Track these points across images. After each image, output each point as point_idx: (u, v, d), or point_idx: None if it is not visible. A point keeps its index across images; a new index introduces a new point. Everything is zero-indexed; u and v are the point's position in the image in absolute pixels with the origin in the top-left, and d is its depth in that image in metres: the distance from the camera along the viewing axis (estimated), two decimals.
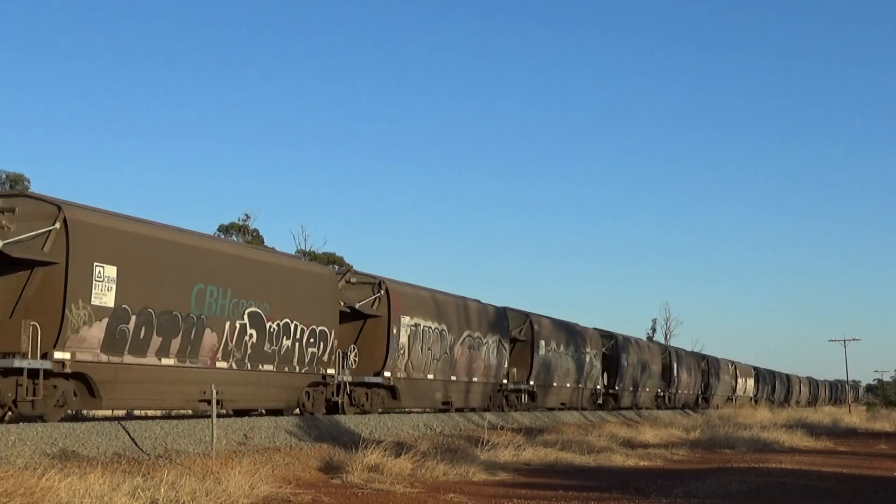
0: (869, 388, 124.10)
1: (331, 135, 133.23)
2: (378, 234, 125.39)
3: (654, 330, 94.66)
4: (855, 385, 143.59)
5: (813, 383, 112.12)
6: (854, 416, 56.01)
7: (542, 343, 37.85)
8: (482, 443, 22.26)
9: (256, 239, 54.58)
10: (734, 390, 69.48)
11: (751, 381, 75.58)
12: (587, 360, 42.81)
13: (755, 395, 75.41)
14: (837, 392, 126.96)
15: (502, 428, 27.87)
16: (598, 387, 44.40)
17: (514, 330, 36.35)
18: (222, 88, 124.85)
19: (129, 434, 17.03)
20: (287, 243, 74.61)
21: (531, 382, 36.78)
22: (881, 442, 33.79)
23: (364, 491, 14.91)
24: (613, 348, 47.15)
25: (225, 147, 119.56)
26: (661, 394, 54.02)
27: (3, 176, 47.64)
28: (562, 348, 39.82)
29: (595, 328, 46.35)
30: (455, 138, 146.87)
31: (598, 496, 15.02)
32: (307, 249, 56.19)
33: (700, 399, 61.58)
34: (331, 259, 53.92)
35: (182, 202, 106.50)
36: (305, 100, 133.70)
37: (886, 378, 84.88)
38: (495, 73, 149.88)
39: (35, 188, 46.40)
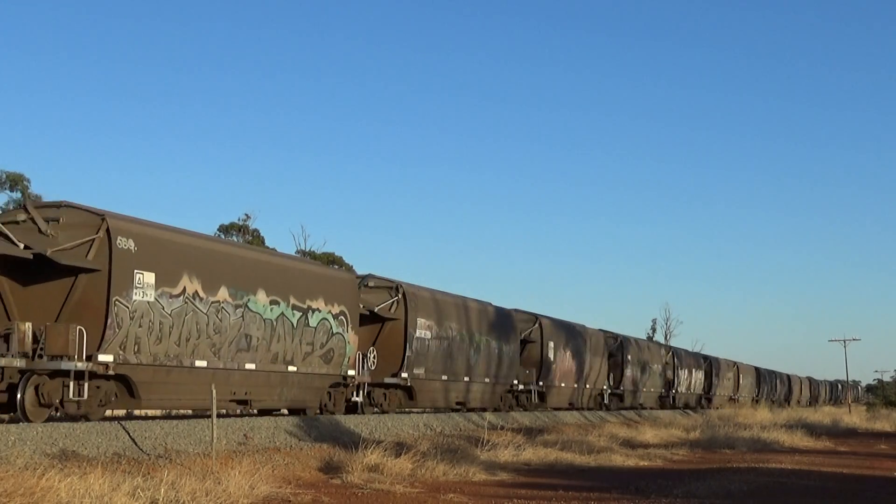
0: (869, 388, 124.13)
1: (331, 135, 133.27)
2: (378, 234, 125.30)
3: (654, 330, 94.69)
4: (855, 385, 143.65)
5: (813, 383, 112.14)
6: (854, 416, 55.99)
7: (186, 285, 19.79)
8: (482, 443, 22.27)
9: (256, 239, 54.60)
10: (672, 385, 55.72)
11: (700, 375, 62.77)
12: (310, 320, 23.68)
13: (706, 393, 63.74)
14: (837, 392, 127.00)
15: (502, 428, 27.87)
16: (352, 373, 25.45)
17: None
18: (222, 88, 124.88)
19: (129, 434, 17.03)
20: (287, 243, 74.67)
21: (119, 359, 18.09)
22: (881, 442, 33.78)
23: (364, 491, 14.91)
24: (398, 308, 27.49)
25: (225, 147, 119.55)
26: (524, 388, 36.03)
27: (4, 176, 47.66)
28: (261, 297, 21.78)
29: (369, 274, 28.29)
30: (455, 138, 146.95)
31: (599, 496, 15.02)
32: (307, 249, 56.22)
33: (608, 396, 45.93)
34: (330, 259, 53.93)
35: (182, 202, 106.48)
36: (305, 100, 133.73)
37: (886, 378, 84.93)
38: (495, 73, 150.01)
39: (35, 188, 46.57)
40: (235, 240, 50.27)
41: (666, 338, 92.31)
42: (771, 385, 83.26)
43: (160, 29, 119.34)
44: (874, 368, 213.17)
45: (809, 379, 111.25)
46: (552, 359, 37.76)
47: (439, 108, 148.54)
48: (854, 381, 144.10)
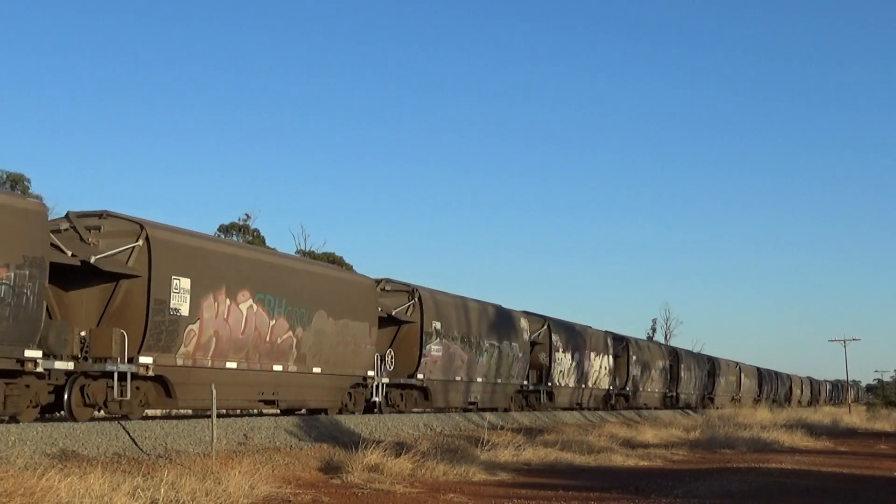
0: (869, 388, 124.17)
1: (331, 135, 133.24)
2: (378, 234, 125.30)
3: (654, 330, 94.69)
4: (855, 385, 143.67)
5: (813, 383, 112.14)
6: (854, 416, 55.99)
7: None
8: (482, 443, 22.26)
9: (257, 239, 54.58)
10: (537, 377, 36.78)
11: (607, 362, 44.34)
12: None
13: (623, 388, 46.71)
14: (837, 392, 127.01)
15: (502, 428, 27.87)
16: None
17: None
18: (222, 88, 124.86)
19: (129, 434, 17.03)
20: (287, 243, 74.66)
21: None
22: (881, 442, 33.77)
23: (364, 491, 14.91)
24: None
25: (225, 147, 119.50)
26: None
27: (4, 176, 47.68)
28: None
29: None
30: (455, 138, 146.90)
31: (599, 496, 15.02)
32: (307, 249, 56.20)
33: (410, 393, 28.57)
34: (331, 259, 53.89)
35: (182, 202, 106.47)
36: (305, 100, 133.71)
37: (886, 378, 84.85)
38: (495, 73, 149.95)
39: (35, 188, 46.56)
40: (235, 239, 50.25)
41: (666, 338, 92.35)
42: (709, 376, 63.79)
43: (160, 29, 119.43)
44: (874, 368, 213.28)
45: (809, 379, 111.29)
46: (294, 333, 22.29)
47: (439, 108, 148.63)
48: (854, 381, 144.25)
